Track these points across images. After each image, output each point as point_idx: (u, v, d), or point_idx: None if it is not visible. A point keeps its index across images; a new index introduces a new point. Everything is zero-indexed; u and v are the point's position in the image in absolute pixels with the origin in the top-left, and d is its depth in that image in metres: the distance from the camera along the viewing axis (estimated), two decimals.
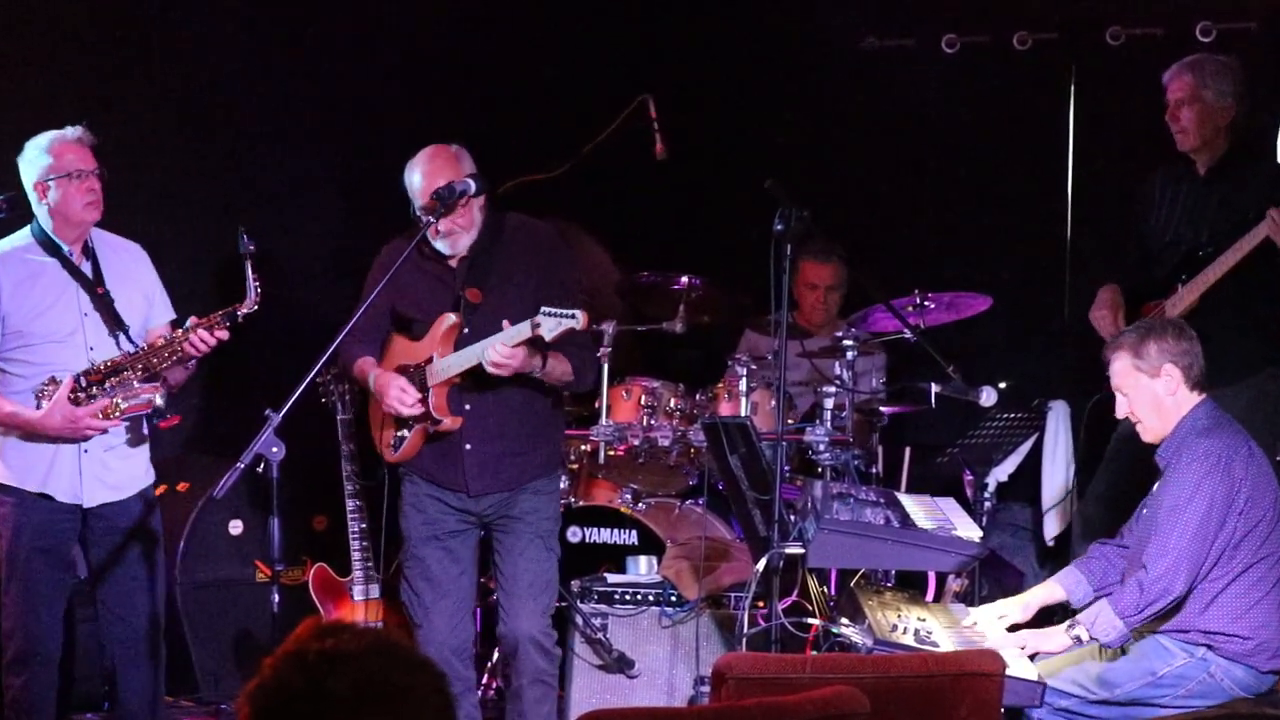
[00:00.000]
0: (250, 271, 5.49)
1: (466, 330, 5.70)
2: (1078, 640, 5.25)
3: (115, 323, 5.71)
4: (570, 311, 5.37)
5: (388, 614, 6.71)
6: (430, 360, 5.72)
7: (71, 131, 5.72)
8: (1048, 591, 5.61)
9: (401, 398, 5.71)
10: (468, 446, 5.78)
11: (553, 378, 5.72)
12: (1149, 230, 6.86)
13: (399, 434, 5.85)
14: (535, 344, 5.56)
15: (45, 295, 5.67)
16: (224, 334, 5.60)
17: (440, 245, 5.73)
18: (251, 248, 5.48)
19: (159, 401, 5.62)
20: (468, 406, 5.77)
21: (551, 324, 5.38)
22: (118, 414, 5.59)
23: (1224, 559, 5.18)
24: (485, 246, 5.79)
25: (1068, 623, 5.32)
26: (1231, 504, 5.16)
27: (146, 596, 5.84)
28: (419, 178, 5.69)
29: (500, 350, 5.49)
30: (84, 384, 5.55)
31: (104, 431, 5.63)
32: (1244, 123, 6.79)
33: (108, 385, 5.57)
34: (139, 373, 5.60)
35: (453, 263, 5.79)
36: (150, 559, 5.84)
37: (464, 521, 5.88)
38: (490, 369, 5.55)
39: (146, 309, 5.88)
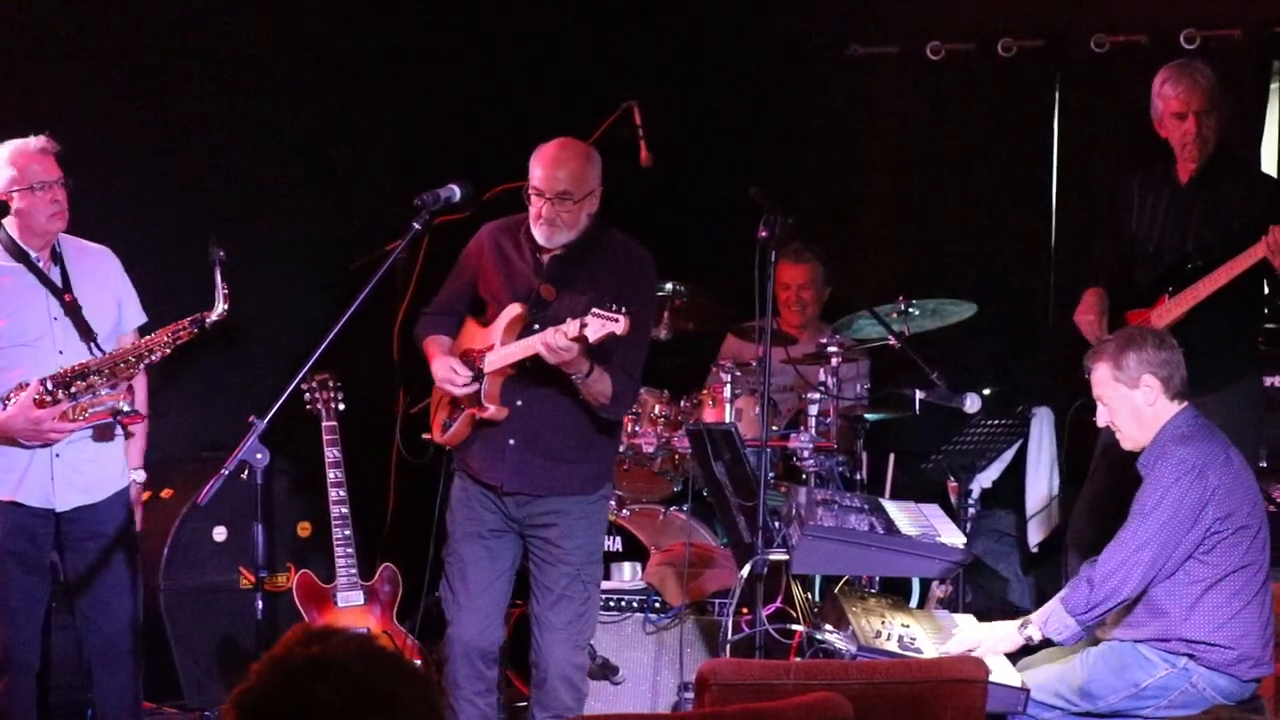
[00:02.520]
0: (219, 279, 5.48)
1: (535, 325, 5.63)
2: (1030, 640, 5.27)
3: (84, 330, 5.69)
4: (614, 315, 5.31)
5: (368, 619, 6.72)
6: (491, 347, 5.70)
7: (34, 141, 5.66)
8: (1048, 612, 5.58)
9: (451, 377, 5.67)
10: (511, 442, 5.70)
11: (591, 390, 5.60)
12: (1129, 238, 6.85)
13: (450, 417, 5.82)
14: (589, 349, 5.52)
15: (13, 300, 5.65)
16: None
17: (535, 233, 5.69)
18: (221, 254, 5.46)
19: (123, 406, 5.62)
20: (519, 402, 5.69)
21: (596, 325, 5.32)
22: (82, 418, 5.57)
23: (1201, 566, 5.18)
24: (580, 250, 5.74)
25: (1020, 621, 5.32)
26: (1201, 510, 5.15)
27: (124, 602, 5.81)
28: (539, 168, 5.66)
29: (558, 338, 5.40)
30: (50, 388, 5.52)
31: (68, 434, 5.61)
32: (1226, 129, 6.81)
33: (73, 390, 5.55)
34: (105, 379, 5.59)
35: (543, 258, 5.77)
36: (127, 564, 5.81)
37: (506, 524, 5.80)
38: (541, 349, 5.43)
39: (116, 313, 5.86)
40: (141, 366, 5.64)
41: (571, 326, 5.37)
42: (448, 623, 5.85)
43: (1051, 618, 5.23)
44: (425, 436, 6.16)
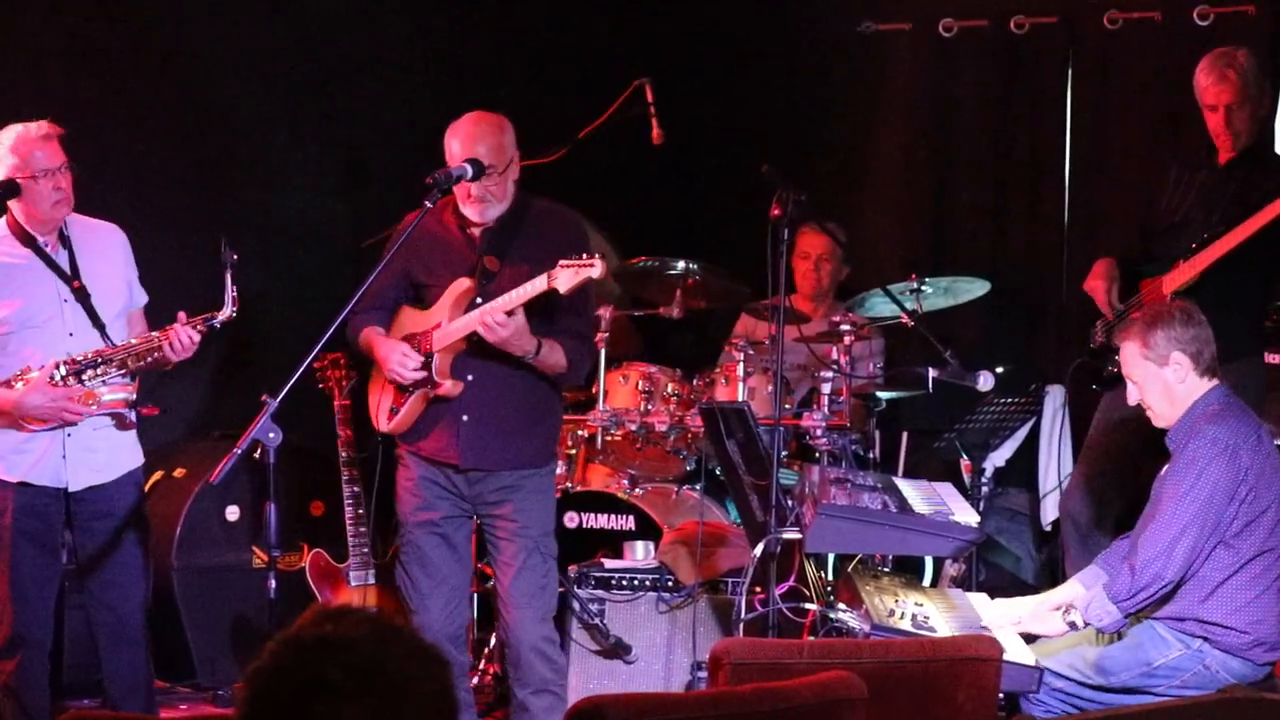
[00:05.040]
0: (229, 281, 5.48)
1: (479, 299, 5.65)
2: (1073, 625, 5.23)
3: (93, 316, 5.68)
4: (589, 261, 5.33)
5: (381, 598, 6.72)
6: (439, 325, 5.69)
7: (36, 128, 5.59)
8: (1071, 590, 5.53)
9: (404, 362, 5.66)
10: (465, 418, 5.72)
11: (545, 365, 5.66)
12: (1155, 212, 6.84)
13: (398, 402, 5.79)
14: (539, 318, 5.55)
15: (22, 283, 5.64)
16: (196, 336, 5.58)
17: (469, 211, 5.70)
18: (234, 257, 5.46)
19: (135, 397, 5.64)
20: (470, 376, 5.70)
21: (568, 275, 5.35)
22: (95, 405, 5.57)
23: (1225, 548, 5.15)
24: (511, 220, 5.76)
25: (1064, 608, 5.30)
26: (1235, 492, 5.12)
27: (134, 582, 5.80)
28: (457, 143, 5.67)
29: (495, 313, 5.44)
30: (63, 373, 5.51)
31: (78, 420, 5.59)
32: (1265, 113, 6.80)
33: (85, 377, 5.54)
34: (115, 368, 5.58)
35: (474, 233, 5.78)
36: (137, 544, 5.80)
37: (458, 507, 5.83)
38: (480, 330, 5.49)
39: (127, 294, 5.85)
40: (149, 359, 5.62)
41: (537, 282, 5.42)
42: (411, 613, 5.84)
43: (1093, 604, 5.18)
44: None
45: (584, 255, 5.36)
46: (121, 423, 5.74)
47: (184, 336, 5.55)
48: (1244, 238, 6.34)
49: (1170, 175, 6.81)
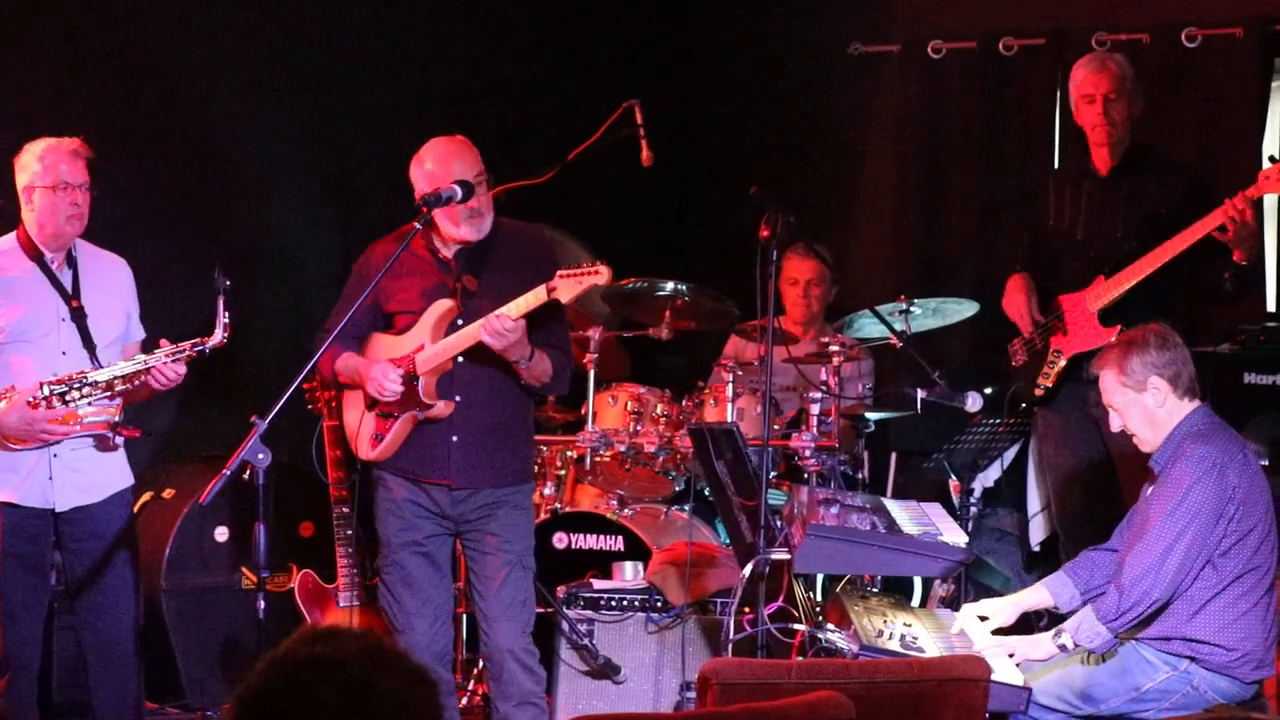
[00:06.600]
0: (221, 308, 5.48)
1: (460, 321, 5.68)
2: (1063, 648, 5.22)
3: (86, 338, 5.70)
4: (592, 270, 5.39)
5: (371, 619, 6.72)
6: (421, 348, 5.70)
7: (68, 143, 5.70)
8: (1036, 596, 5.57)
9: (384, 381, 5.66)
10: (455, 438, 5.75)
11: (533, 373, 5.70)
12: (1049, 232, 6.99)
13: (382, 428, 5.78)
14: (531, 326, 5.60)
15: (23, 295, 5.67)
16: (183, 369, 5.59)
17: (465, 231, 5.71)
18: (227, 284, 5.46)
19: (118, 418, 5.64)
20: (458, 397, 5.73)
21: (569, 284, 5.40)
22: (77, 426, 5.57)
23: (1212, 566, 5.15)
24: (484, 241, 5.80)
25: (1053, 630, 5.28)
26: (1223, 510, 5.12)
27: (123, 603, 5.81)
28: (431, 163, 5.71)
29: (502, 319, 5.47)
30: (45, 393, 5.52)
31: (58, 440, 5.60)
32: (1141, 121, 6.96)
33: (68, 398, 5.54)
34: (100, 389, 5.58)
35: (447, 255, 5.79)
36: (127, 565, 5.81)
37: (440, 526, 5.85)
38: (487, 336, 5.50)
39: (125, 323, 5.88)
40: (137, 383, 5.62)
41: (536, 293, 5.45)
42: (396, 633, 5.86)
43: (1083, 625, 5.17)
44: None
45: (584, 264, 5.42)
46: (104, 444, 5.74)
47: (169, 371, 5.57)
48: (1172, 255, 6.47)
49: (1050, 189, 6.95)
